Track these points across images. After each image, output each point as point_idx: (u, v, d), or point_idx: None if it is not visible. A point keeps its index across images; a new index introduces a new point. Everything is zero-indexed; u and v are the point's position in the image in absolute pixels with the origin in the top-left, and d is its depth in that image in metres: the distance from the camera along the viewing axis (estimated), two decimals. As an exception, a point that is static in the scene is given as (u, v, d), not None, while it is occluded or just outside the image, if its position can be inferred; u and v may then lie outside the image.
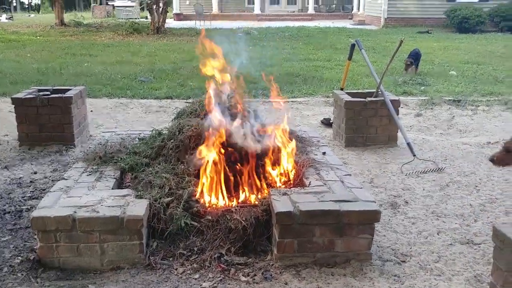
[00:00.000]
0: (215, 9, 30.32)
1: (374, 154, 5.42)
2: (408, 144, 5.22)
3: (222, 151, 3.37)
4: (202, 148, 3.35)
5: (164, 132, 3.95)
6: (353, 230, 3.10)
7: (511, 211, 4.02)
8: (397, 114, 5.58)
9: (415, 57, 10.49)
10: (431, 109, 7.54)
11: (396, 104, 5.56)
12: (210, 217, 3.25)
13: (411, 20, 23.07)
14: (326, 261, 3.12)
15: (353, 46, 6.27)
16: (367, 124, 5.58)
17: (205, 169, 3.33)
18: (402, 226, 3.75)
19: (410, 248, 3.41)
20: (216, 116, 3.39)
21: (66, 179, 3.51)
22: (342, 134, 5.67)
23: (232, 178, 3.44)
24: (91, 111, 7.15)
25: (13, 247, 3.28)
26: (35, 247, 3.11)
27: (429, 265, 3.20)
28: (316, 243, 3.10)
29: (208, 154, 3.32)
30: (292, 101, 8.06)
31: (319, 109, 7.60)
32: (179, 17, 29.74)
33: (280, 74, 10.30)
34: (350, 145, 5.61)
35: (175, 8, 31.09)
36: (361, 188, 3.46)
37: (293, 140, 3.82)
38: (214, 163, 3.33)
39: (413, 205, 4.12)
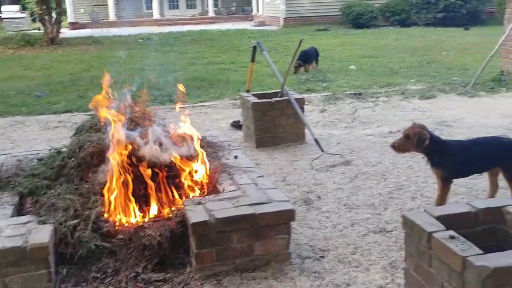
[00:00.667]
0: (112, 16, 29.42)
1: (285, 153, 5.48)
2: (316, 140, 5.33)
3: (129, 165, 3.21)
4: (106, 164, 3.17)
5: (63, 150, 3.70)
6: (270, 231, 3.09)
7: (417, 195, 4.22)
8: (303, 111, 5.68)
9: (304, 58, 10.49)
10: (335, 104, 7.79)
11: (300, 102, 5.66)
12: (122, 236, 3.08)
13: (309, 18, 23.82)
14: (246, 266, 3.07)
15: (254, 48, 6.31)
16: (275, 124, 5.63)
17: (111, 186, 3.15)
18: (317, 221, 3.80)
19: (327, 243, 3.46)
20: (118, 129, 3.21)
21: (-44, 211, 3.17)
22: (252, 135, 5.68)
23: (142, 192, 3.28)
24: (-18, 132, 6.61)
25: None
26: None
27: (347, 257, 3.27)
28: (235, 249, 3.05)
29: (113, 169, 3.14)
30: (200, 106, 7.98)
31: (228, 112, 7.57)
32: (74, 26, 28.47)
33: (186, 79, 10.14)
34: (261, 146, 5.64)
35: (70, 17, 29.74)
36: (274, 188, 3.46)
37: (204, 147, 3.74)
38: (121, 178, 3.16)
39: (326, 199, 4.20)
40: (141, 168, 3.28)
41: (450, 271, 2.30)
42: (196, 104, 8.04)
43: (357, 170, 4.88)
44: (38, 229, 2.88)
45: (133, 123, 3.53)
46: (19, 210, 3.31)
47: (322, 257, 3.28)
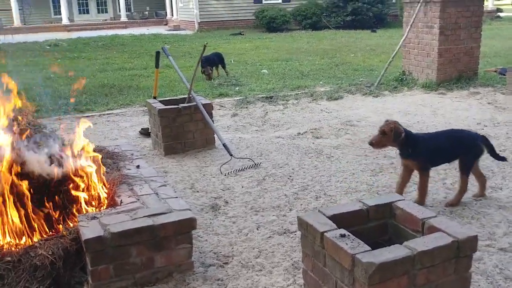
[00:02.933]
0: (17, 22, 27.89)
1: (194, 159, 5.41)
2: (224, 145, 5.31)
3: (15, 182, 3.00)
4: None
5: None
6: (171, 242, 3.01)
7: (320, 195, 4.31)
8: (211, 116, 5.65)
9: (207, 63, 10.23)
10: (246, 108, 7.83)
11: (208, 107, 5.62)
12: (9, 258, 2.87)
13: (223, 23, 23.92)
14: (147, 280, 2.98)
15: (158, 53, 6.20)
16: (183, 130, 5.55)
17: (-4, 205, 2.93)
18: (223, 227, 3.77)
19: (232, 248, 3.43)
20: (2, 144, 3.00)
21: None
22: (160, 143, 5.56)
23: (32, 210, 3.08)
24: None
25: None
26: None
27: (251, 261, 3.26)
28: (134, 263, 2.94)
29: (-4, 187, 2.93)
30: (108, 114, 7.71)
31: (137, 119, 7.38)
32: (-25, 33, 26.67)
33: (94, 86, 9.82)
34: (170, 153, 5.53)
35: (-31, 23, 27.86)
36: (176, 197, 3.39)
37: (103, 157, 3.59)
38: (4, 197, 2.95)
39: (233, 204, 4.18)
40: (30, 185, 3.08)
41: (342, 269, 2.35)
42: (104, 112, 7.76)
43: (265, 172, 4.91)
44: None
45: (20, 136, 3.30)
46: None
47: (226, 263, 3.25)
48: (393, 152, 5.35)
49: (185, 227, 3.03)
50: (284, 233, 3.63)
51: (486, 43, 14.50)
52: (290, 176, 4.80)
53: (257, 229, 3.72)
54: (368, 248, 2.29)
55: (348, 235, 2.41)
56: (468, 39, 8.97)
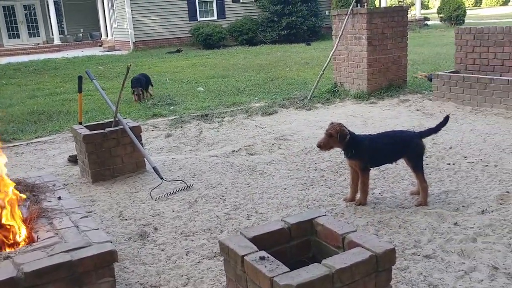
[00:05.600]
0: None
1: (124, 185, 5.25)
2: (154, 168, 5.20)
3: None
4: None
5: None
6: (92, 277, 2.87)
7: (252, 213, 4.28)
8: (140, 139, 5.52)
9: (137, 84, 9.98)
10: (181, 127, 7.73)
11: (137, 130, 5.49)
12: None
13: (159, 41, 23.75)
14: (66, 319, 2.82)
15: (80, 78, 6.04)
16: (111, 155, 5.38)
17: None
18: (151, 255, 3.66)
19: (159, 277, 3.33)
20: None
21: None
22: (88, 170, 5.37)
23: None
24: None
25: None
26: None
27: (178, 290, 3.16)
28: (52, 302, 2.78)
29: None
30: (35, 142, 7.40)
31: (66, 146, 7.12)
32: None
33: (23, 114, 9.43)
34: (98, 180, 5.35)
35: None
36: (97, 229, 3.25)
37: (21, 191, 3.40)
38: None
39: (163, 230, 4.08)
40: None
41: (262, 293, 2.31)
42: (32, 141, 7.44)
43: (197, 194, 4.84)
44: None
45: None
46: None
47: (153, 293, 3.14)
48: (323, 164, 5.43)
49: (106, 260, 2.90)
50: (214, 257, 3.56)
51: (415, 51, 15.17)
52: (223, 196, 4.74)
53: (187, 254, 3.63)
54: (287, 269, 2.26)
55: (268, 257, 2.38)
56: (395, 48, 9.31)
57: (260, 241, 2.59)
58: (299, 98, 9.19)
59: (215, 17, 24.77)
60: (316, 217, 2.78)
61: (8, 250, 3.06)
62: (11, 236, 3.14)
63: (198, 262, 3.49)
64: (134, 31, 23.52)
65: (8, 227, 3.14)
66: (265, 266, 2.31)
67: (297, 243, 2.77)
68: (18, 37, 30.34)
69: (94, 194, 5.00)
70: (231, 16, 24.51)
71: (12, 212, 3.19)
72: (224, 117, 8.25)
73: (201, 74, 13.86)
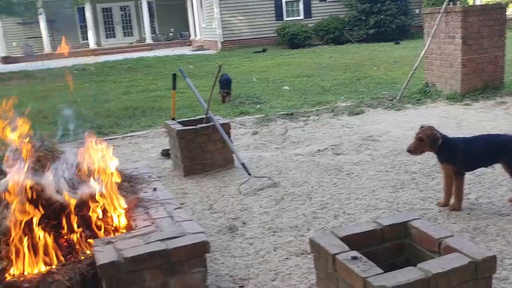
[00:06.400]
0: (47, 48, 28.70)
1: (214, 179, 5.41)
2: (243, 164, 5.30)
3: (31, 208, 3.04)
4: (3, 211, 2.99)
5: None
6: (185, 266, 2.98)
7: (339, 213, 4.24)
8: (230, 136, 5.65)
9: (228, 85, 10.02)
10: (267, 125, 7.82)
11: (226, 127, 5.63)
12: (27, 285, 2.90)
13: (246, 41, 24.10)
14: (162, 304, 2.96)
15: (174, 75, 6.29)
16: (202, 151, 5.56)
17: (14, 232, 2.97)
18: (240, 248, 3.74)
19: (248, 271, 3.40)
20: (15, 172, 3.05)
21: None
22: (180, 163, 5.59)
23: (49, 235, 3.12)
24: None
25: None
26: None
27: (267, 284, 3.22)
28: (149, 288, 2.93)
29: (12, 216, 2.97)
30: (130, 136, 7.81)
31: (159, 141, 7.44)
32: (7, 60, 27.57)
33: (118, 109, 9.98)
34: (190, 174, 5.55)
35: (2, 50, 28.83)
36: (191, 220, 3.37)
37: (121, 181, 3.61)
38: (22, 223, 2.99)
39: (251, 225, 4.15)
40: (46, 211, 3.12)
41: (354, 293, 2.29)
42: (127, 135, 7.87)
43: (283, 191, 4.87)
44: None
45: (38, 162, 3.36)
46: None
47: (242, 286, 3.22)
48: (414, 167, 5.26)
49: (198, 251, 3.00)
50: (302, 254, 3.58)
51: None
52: (309, 195, 4.74)
53: (274, 250, 3.67)
54: (380, 270, 2.22)
55: (360, 257, 2.35)
56: (491, 48, 8.80)
57: (351, 241, 2.57)
58: (388, 98, 8.96)
59: (301, 17, 24.72)
60: (411, 220, 2.71)
61: (109, 235, 3.26)
62: (112, 223, 3.34)
63: (286, 258, 3.52)
64: (222, 30, 24.08)
65: (110, 214, 3.35)
66: (358, 266, 2.29)
67: (390, 245, 2.72)
68: (114, 36, 32.11)
69: (186, 187, 5.20)
70: (317, 15, 24.36)
71: (114, 200, 3.40)
72: (310, 116, 8.23)
73: (287, 73, 13.91)
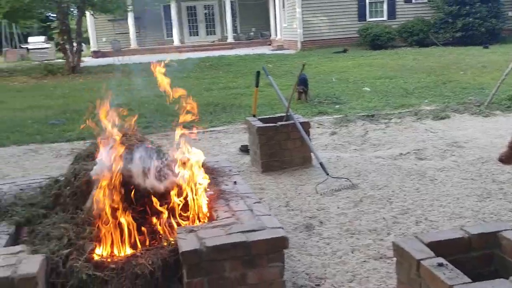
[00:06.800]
0: (133, 44, 30.03)
1: (291, 177, 5.42)
2: (321, 163, 5.27)
3: (120, 193, 3.21)
4: (96, 193, 3.17)
5: (61, 179, 3.73)
6: (263, 259, 3.02)
7: (421, 220, 4.11)
8: (309, 135, 5.64)
9: (304, 83, 9.94)
10: (346, 126, 7.72)
11: (306, 126, 5.63)
12: (114, 266, 3.06)
13: (326, 41, 23.91)
14: (239, 296, 3.01)
15: (258, 73, 6.36)
16: (281, 148, 5.60)
17: (102, 215, 3.15)
18: (317, 247, 3.73)
19: (325, 270, 3.38)
20: (108, 158, 3.22)
21: (-48, 242, 3.21)
22: (258, 160, 5.66)
23: (136, 220, 3.27)
24: (-4, 161, 6.74)
25: None
26: None
27: (344, 285, 3.18)
28: (228, 278, 2.98)
29: (103, 199, 3.15)
30: (211, 131, 8.00)
31: (238, 137, 7.58)
32: (97, 54, 29.19)
33: (200, 104, 10.20)
34: (267, 170, 5.60)
35: (93, 45, 30.54)
36: (270, 215, 3.41)
37: (201, 173, 3.72)
38: (112, 207, 3.16)
39: (328, 225, 4.12)
40: (134, 196, 3.28)
41: (439, 301, 2.21)
42: (207, 129, 8.07)
43: (362, 194, 4.79)
44: (29, 259, 2.88)
45: (128, 150, 3.53)
46: (15, 239, 3.32)
47: (318, 285, 3.20)
48: (503, 176, 4.99)
49: (277, 246, 3.03)
50: (381, 258, 3.51)
51: None
52: (390, 199, 4.63)
53: (352, 252, 3.63)
54: (468, 279, 2.13)
55: (446, 265, 2.27)
56: None
57: (436, 248, 2.48)
58: (475, 104, 8.56)
59: (385, 18, 24.17)
60: (502, 231, 2.57)
61: (192, 224, 3.37)
62: (195, 212, 3.44)
63: (364, 261, 3.47)
64: (302, 30, 24.05)
65: (193, 204, 3.46)
66: (444, 273, 2.20)
67: (477, 255, 2.59)
68: (197, 34, 33.01)
69: (263, 183, 5.25)
70: (402, 17, 23.70)
71: (197, 190, 3.50)
72: (391, 118, 8.04)
73: (368, 75, 13.65)
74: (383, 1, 24.31)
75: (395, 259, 3.39)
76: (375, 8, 24.54)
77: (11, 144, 7.84)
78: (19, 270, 2.76)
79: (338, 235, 3.92)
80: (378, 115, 8.26)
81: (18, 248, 3.07)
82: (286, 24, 27.16)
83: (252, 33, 32.37)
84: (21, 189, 4.10)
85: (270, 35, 31.17)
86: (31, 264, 2.83)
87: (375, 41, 21.94)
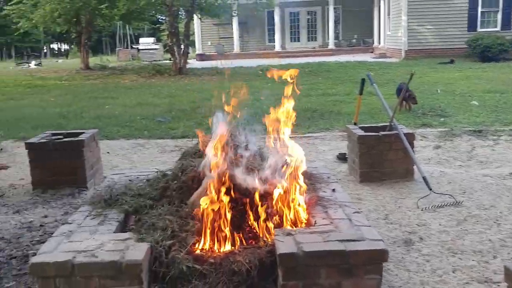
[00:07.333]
0: (236, 48, 30.84)
1: (390, 189, 5.27)
2: (424, 178, 5.07)
3: (223, 191, 3.31)
4: (201, 189, 3.30)
5: (168, 173, 3.92)
6: (360, 270, 2.96)
7: (533, 246, 3.81)
8: (412, 147, 5.45)
9: (399, 93, 9.50)
10: (451, 140, 7.37)
11: (410, 137, 5.43)
12: (212, 260, 3.16)
13: (432, 51, 22.98)
14: (333, 303, 2.98)
15: (363, 80, 6.24)
16: (382, 159, 5.45)
17: (205, 211, 3.26)
18: (416, 264, 3.59)
19: (424, 288, 3.24)
20: (214, 156, 3.34)
21: (70, 223, 3.50)
22: (357, 169, 5.56)
23: (235, 219, 3.36)
24: (108, 152, 7.23)
25: (16, 294, 3.26)
26: (37, 294, 3.07)
27: (444, 306, 3.04)
28: (322, 285, 2.97)
29: (207, 195, 3.26)
30: (308, 137, 8.01)
31: (335, 144, 7.51)
32: (201, 57, 30.35)
33: (298, 110, 10.26)
34: (366, 180, 5.48)
35: (198, 48, 31.79)
36: (369, 226, 3.34)
37: (301, 178, 3.73)
38: (215, 204, 3.26)
39: (428, 242, 3.95)
40: (236, 195, 3.36)
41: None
42: (305, 135, 8.08)
43: (466, 212, 4.54)
44: (135, 246, 3.06)
45: (233, 150, 3.63)
46: (123, 227, 3.55)
47: (416, 303, 3.08)
48: None
49: (376, 258, 2.96)
50: (485, 281, 3.30)
51: None
52: (497, 220, 4.35)
53: (453, 272, 3.45)
54: None
55: None
56: None
57: (554, 277, 2.29)
58: None
59: (498, 28, 22.76)
60: None
61: (287, 227, 3.39)
62: (293, 216, 3.46)
63: (466, 283, 3.28)
64: (407, 39, 23.32)
65: (292, 207, 3.48)
66: None
67: None
68: (298, 40, 33.18)
69: (361, 193, 5.15)
70: (517, 27, 22.20)
71: (297, 195, 3.52)
72: (501, 135, 7.54)
73: (476, 88, 12.93)
74: (497, 11, 22.90)
75: (503, 284, 3.21)
76: (488, 17, 23.20)
77: (120, 138, 8.39)
78: (127, 256, 2.95)
79: (439, 253, 3.75)
80: (487, 131, 7.79)
81: (126, 235, 3.28)
82: (390, 32, 26.48)
83: (354, 40, 31.94)
84: (130, 180, 4.37)
85: (373, 43, 30.56)
86: (137, 251, 3.01)
87: (485, 52, 20.70)
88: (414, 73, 5.32)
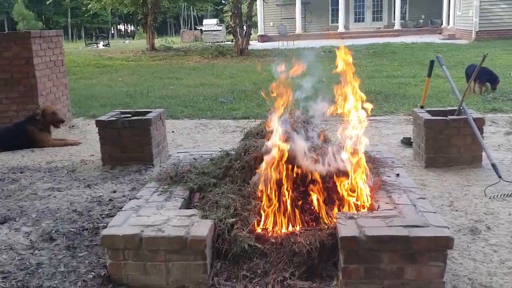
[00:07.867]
0: (298, 29, 30.58)
1: (456, 176, 5.10)
2: (493, 165, 4.86)
3: (286, 172, 3.33)
4: (264, 170, 3.33)
5: (231, 153, 3.99)
6: (424, 257, 2.91)
7: None
8: (482, 132, 5.22)
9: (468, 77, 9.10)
10: (524, 126, 7.01)
11: (480, 122, 5.21)
12: (274, 240, 3.21)
13: (506, 32, 21.79)
14: (395, 289, 2.95)
15: (432, 62, 6.01)
16: (449, 144, 5.27)
17: (268, 191, 3.30)
18: (482, 253, 3.47)
19: (491, 279, 3.13)
20: (277, 137, 3.36)
21: (138, 199, 3.65)
22: (422, 154, 5.41)
23: (297, 200, 3.38)
24: (172, 131, 7.43)
25: (88, 263, 3.44)
26: (107, 264, 3.23)
27: (512, 298, 2.93)
28: (384, 270, 2.94)
29: (270, 176, 3.29)
30: (371, 120, 7.84)
31: (400, 128, 7.33)
32: (263, 38, 30.34)
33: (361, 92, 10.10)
34: (431, 166, 5.33)
35: (260, 30, 31.78)
36: (434, 212, 3.26)
37: (364, 161, 3.69)
38: (277, 185, 3.29)
39: (496, 231, 3.81)
40: (298, 177, 3.38)
41: None
42: (368, 118, 7.91)
43: (539, 202, 4.33)
44: (200, 223, 3.15)
45: (295, 131, 3.63)
46: (188, 203, 3.66)
47: (482, 293, 2.99)
48: None
49: (441, 245, 2.89)
50: (558, 275, 3.15)
51: None
52: None
53: (524, 264, 3.31)
54: None
55: None
56: None
57: None
58: None
59: None
60: None
61: (352, 211, 3.37)
62: (356, 199, 3.44)
63: (537, 276, 3.15)
64: (479, 19, 22.20)
65: (355, 191, 3.45)
66: None
67: None
68: (363, 21, 32.42)
69: (425, 179, 5.02)
70: None
71: (360, 178, 3.48)
72: None
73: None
74: None
75: None
76: None
77: (184, 117, 8.58)
78: (192, 232, 3.05)
79: (508, 243, 3.60)
80: None
81: (190, 211, 3.39)
82: (461, 12, 25.29)
83: (421, 21, 30.82)
84: (194, 159, 4.49)
85: (442, 24, 29.33)
86: (202, 227, 3.11)
87: None
88: (486, 55, 5.07)
